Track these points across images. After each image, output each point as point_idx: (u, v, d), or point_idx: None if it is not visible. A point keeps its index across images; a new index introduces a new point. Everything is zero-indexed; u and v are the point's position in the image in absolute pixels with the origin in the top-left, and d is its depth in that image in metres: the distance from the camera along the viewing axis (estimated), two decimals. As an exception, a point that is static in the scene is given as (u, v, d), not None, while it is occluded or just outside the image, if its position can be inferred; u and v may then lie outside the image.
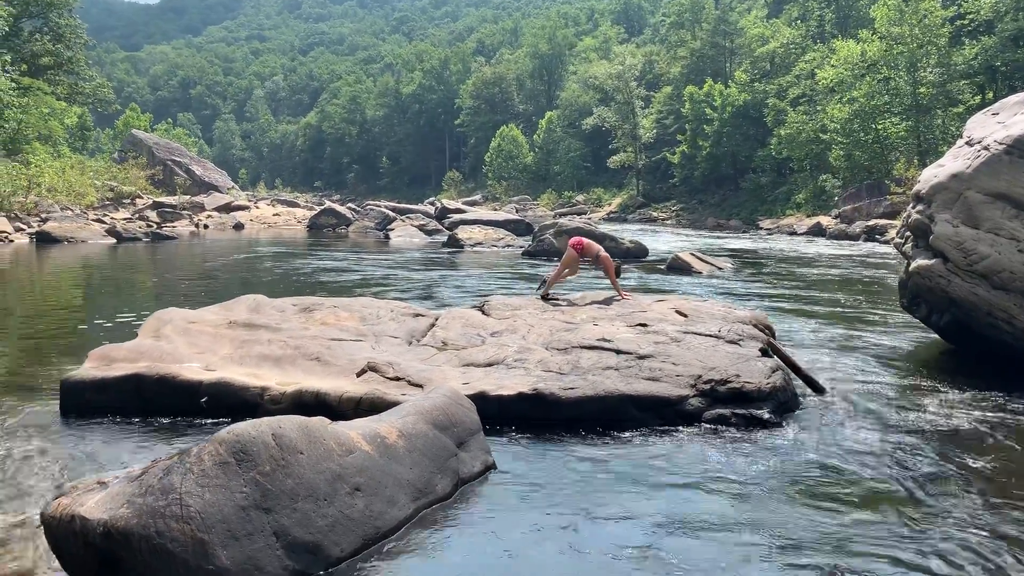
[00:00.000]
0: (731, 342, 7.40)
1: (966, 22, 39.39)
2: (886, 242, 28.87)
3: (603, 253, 9.84)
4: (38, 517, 3.96)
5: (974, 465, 5.47)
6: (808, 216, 42.79)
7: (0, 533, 4.28)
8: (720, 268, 19.76)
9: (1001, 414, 6.70)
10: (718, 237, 37.01)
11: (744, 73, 57.88)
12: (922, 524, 4.48)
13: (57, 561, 3.73)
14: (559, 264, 10.24)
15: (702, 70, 66.64)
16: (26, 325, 11.52)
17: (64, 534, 3.59)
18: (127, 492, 3.63)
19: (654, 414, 6.25)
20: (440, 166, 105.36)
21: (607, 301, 9.27)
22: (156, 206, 39.28)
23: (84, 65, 55.66)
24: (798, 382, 7.31)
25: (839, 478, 5.19)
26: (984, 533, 4.38)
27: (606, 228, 29.30)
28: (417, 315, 8.82)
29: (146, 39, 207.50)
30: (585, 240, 10.07)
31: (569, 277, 10.56)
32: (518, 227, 33.05)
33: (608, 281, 10.12)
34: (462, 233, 28.24)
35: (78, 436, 5.99)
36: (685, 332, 7.67)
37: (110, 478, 3.86)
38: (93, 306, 13.30)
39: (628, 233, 29.76)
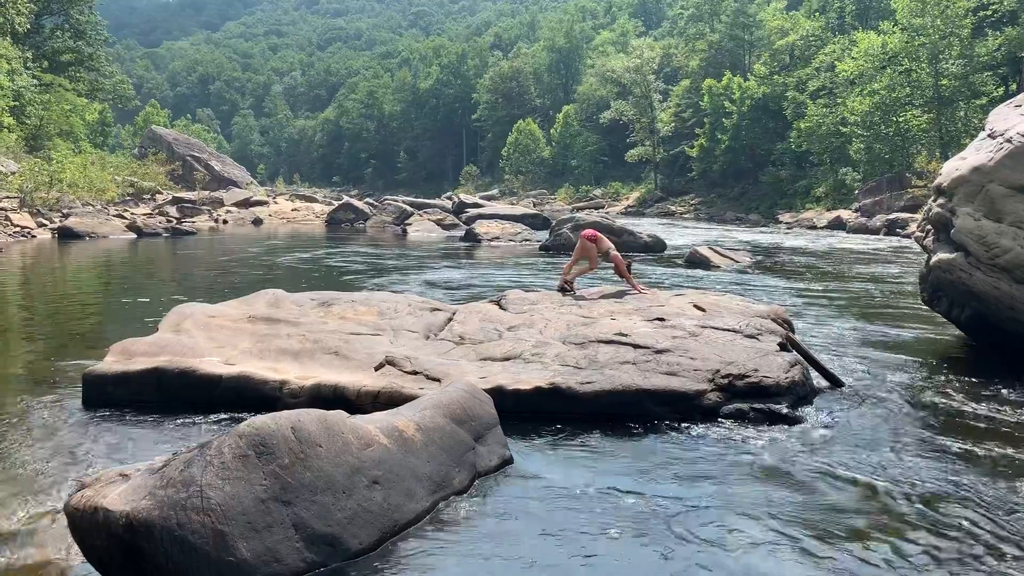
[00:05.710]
0: (749, 336, 7.37)
1: (989, 13, 38.86)
2: (907, 236, 28.58)
3: (614, 252, 9.76)
4: (62, 509, 4.02)
5: (992, 461, 5.42)
6: (828, 210, 42.49)
7: (25, 524, 4.34)
8: (738, 262, 19.66)
9: (1022, 408, 6.64)
10: (737, 231, 36.79)
11: (763, 66, 57.52)
12: (936, 520, 4.45)
13: (80, 552, 3.78)
14: (572, 256, 10.22)
15: (720, 63, 66.32)
16: (49, 319, 11.66)
17: (87, 525, 3.64)
18: (149, 484, 3.67)
19: (671, 408, 6.23)
20: (457, 161, 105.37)
21: (620, 295, 9.26)
22: (176, 202, 39.53)
23: (104, 62, 56.23)
24: (816, 376, 7.27)
25: (857, 473, 5.15)
26: (1004, 530, 4.34)
27: (624, 222, 29.18)
28: (435, 309, 8.84)
29: (165, 35, 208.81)
30: (598, 234, 10.00)
31: (587, 273, 10.47)
32: (535, 221, 33.03)
33: (621, 278, 10.05)
34: (479, 228, 28.24)
35: (100, 429, 6.06)
36: (703, 326, 7.64)
37: (132, 470, 3.90)
38: (114, 300, 13.44)
39: (646, 227, 29.66)
